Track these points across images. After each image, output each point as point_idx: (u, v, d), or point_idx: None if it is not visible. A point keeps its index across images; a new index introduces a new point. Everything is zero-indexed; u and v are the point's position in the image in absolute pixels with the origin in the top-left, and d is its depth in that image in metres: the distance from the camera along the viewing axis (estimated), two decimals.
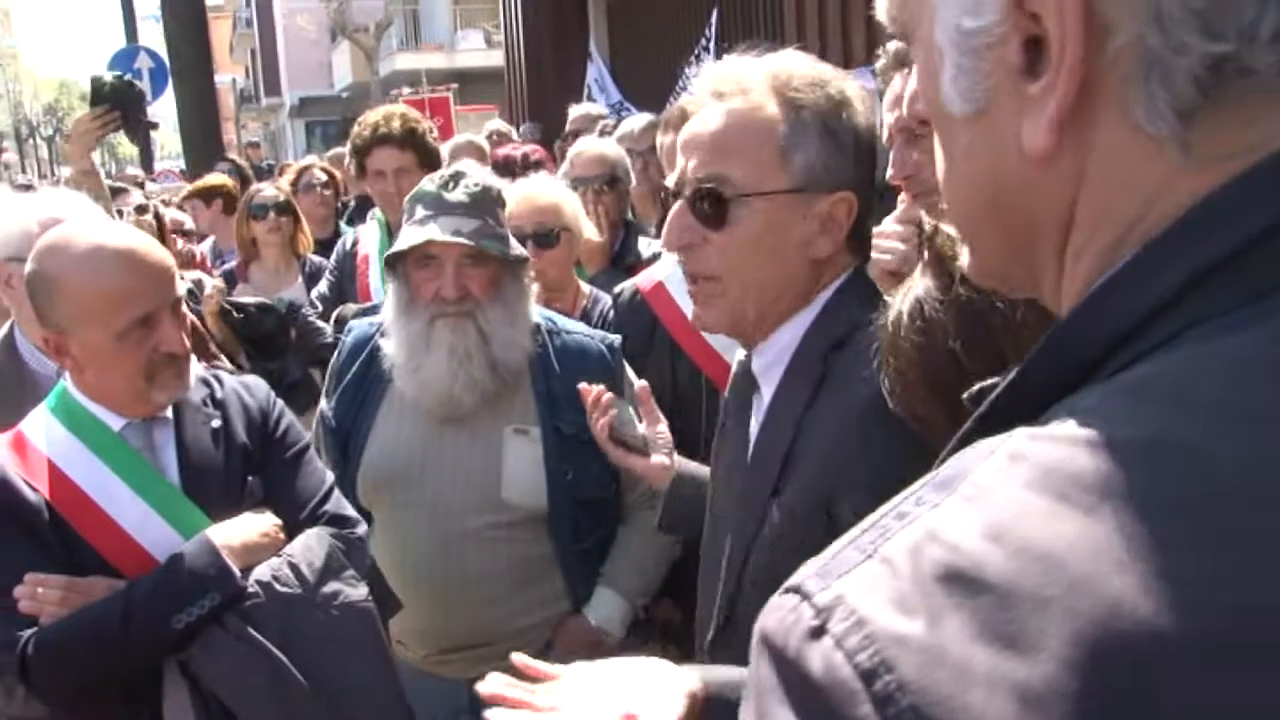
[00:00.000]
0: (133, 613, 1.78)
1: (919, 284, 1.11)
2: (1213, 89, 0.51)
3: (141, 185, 8.58)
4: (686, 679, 1.24)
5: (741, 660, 0.61)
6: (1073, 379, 0.54)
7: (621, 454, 1.99)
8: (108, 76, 3.66)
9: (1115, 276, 0.54)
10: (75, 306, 1.86)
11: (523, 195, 2.96)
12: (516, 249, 2.41)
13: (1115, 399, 0.50)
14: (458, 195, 2.32)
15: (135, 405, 1.96)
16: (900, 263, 1.76)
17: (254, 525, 1.95)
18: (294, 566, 1.91)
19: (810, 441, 1.46)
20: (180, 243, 5.36)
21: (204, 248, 5.99)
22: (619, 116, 6.07)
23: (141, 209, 4.45)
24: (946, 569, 0.45)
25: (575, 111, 6.40)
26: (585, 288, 3.11)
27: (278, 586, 1.87)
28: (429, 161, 3.76)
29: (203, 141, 10.98)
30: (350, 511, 2.12)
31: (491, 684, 1.25)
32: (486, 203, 2.35)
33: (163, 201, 6.90)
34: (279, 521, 1.99)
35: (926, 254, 1.11)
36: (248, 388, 2.14)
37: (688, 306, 2.58)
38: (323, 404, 2.55)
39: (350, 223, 5.50)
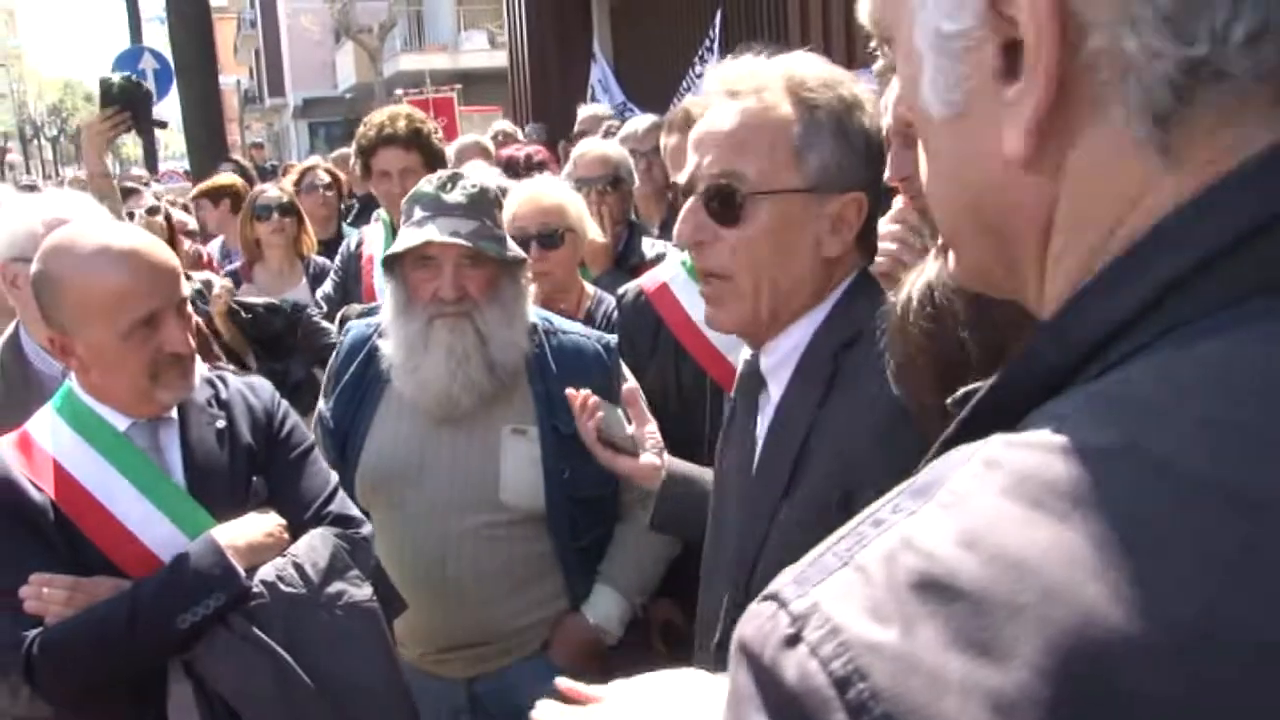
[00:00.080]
0: (138, 613, 1.78)
1: (931, 268, 1.10)
2: (1188, 93, 0.51)
3: (146, 185, 8.59)
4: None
5: None
6: (1054, 383, 0.54)
7: (610, 455, 2.00)
8: (116, 78, 3.66)
9: (1096, 280, 0.54)
10: (80, 307, 1.86)
11: (527, 196, 2.97)
12: (514, 250, 2.42)
13: (1091, 405, 0.50)
14: (456, 196, 2.34)
15: (140, 405, 1.96)
16: (889, 265, 1.76)
17: (259, 525, 1.95)
18: (299, 566, 1.91)
19: (823, 440, 1.46)
20: (186, 243, 5.38)
21: (212, 248, 5.99)
22: (623, 117, 6.08)
23: (153, 210, 4.47)
24: (921, 576, 0.45)
25: (584, 112, 6.42)
26: (589, 289, 3.11)
27: (282, 586, 1.88)
28: (434, 162, 3.75)
29: (207, 142, 10.99)
30: (354, 512, 2.13)
31: (541, 713, 1.26)
32: (484, 204, 2.36)
33: (168, 202, 6.91)
34: (284, 522, 1.99)
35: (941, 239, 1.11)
36: (252, 388, 2.14)
37: (692, 308, 2.61)
38: (321, 404, 2.56)
39: (354, 224, 5.51)
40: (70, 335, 1.89)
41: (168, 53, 11.76)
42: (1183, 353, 0.49)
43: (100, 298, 1.85)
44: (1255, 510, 0.42)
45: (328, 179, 5.47)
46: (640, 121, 4.55)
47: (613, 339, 2.57)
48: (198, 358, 2.04)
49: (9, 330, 2.67)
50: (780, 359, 1.56)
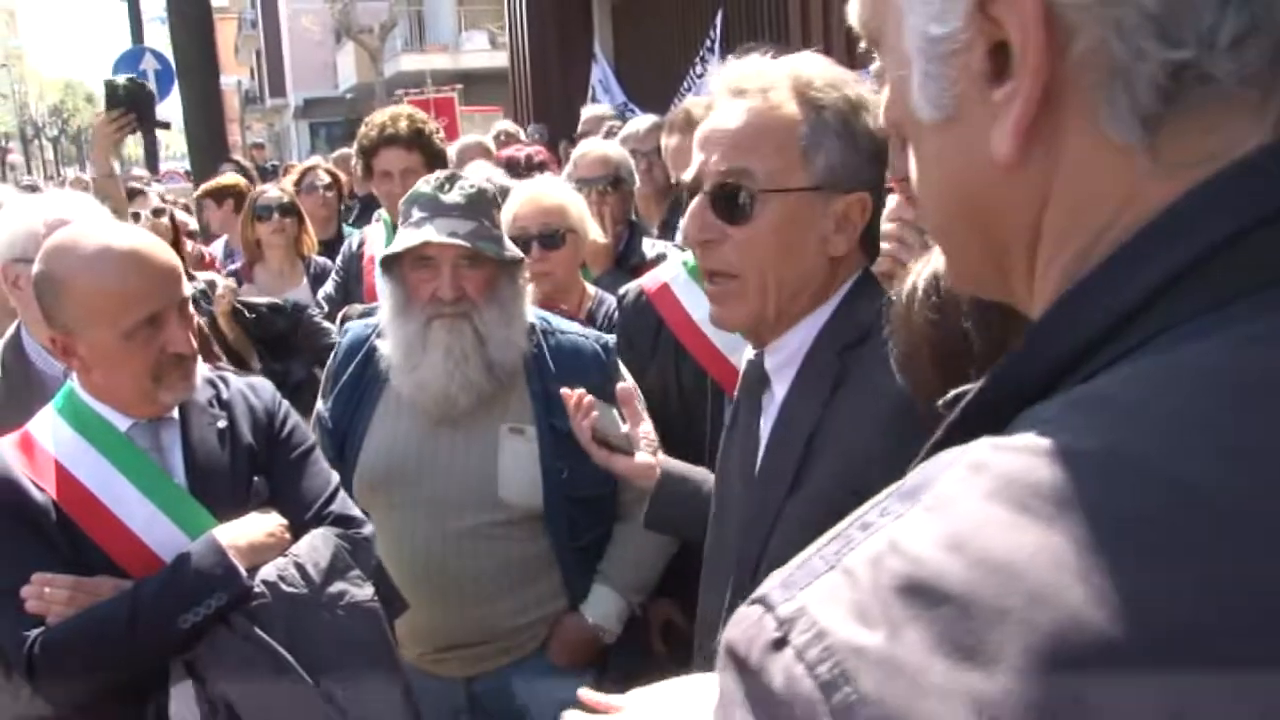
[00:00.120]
0: (139, 612, 1.79)
1: (937, 258, 1.11)
2: (1174, 96, 0.51)
3: (148, 185, 8.60)
4: None
5: None
6: (1042, 386, 0.54)
7: (605, 455, 2.00)
8: (121, 79, 3.69)
9: (1083, 284, 0.54)
10: (82, 307, 1.86)
11: (528, 196, 2.97)
12: (512, 250, 2.43)
13: (1076, 409, 0.50)
14: (454, 197, 2.34)
15: (142, 405, 1.96)
16: (890, 265, 1.77)
17: (260, 525, 1.95)
18: (300, 566, 1.91)
19: (829, 439, 1.47)
20: (189, 244, 5.38)
21: (216, 248, 5.99)
22: (624, 118, 6.08)
23: (158, 211, 4.48)
24: (907, 580, 0.45)
25: (587, 113, 6.42)
26: (590, 289, 3.11)
27: (284, 586, 1.88)
28: (435, 162, 3.75)
29: (208, 143, 10.97)
30: (356, 511, 2.13)
31: None
32: (482, 204, 2.37)
33: (169, 202, 6.92)
34: (285, 522, 1.99)
35: None
36: (253, 388, 2.14)
37: (693, 308, 2.61)
38: (319, 405, 2.57)
39: (355, 225, 5.51)
40: (72, 335, 1.89)
41: (169, 53, 11.76)
42: (1166, 357, 0.49)
43: (102, 298, 1.85)
44: (1233, 513, 0.43)
45: (328, 179, 5.47)
46: (641, 122, 4.56)
47: (610, 338, 2.58)
48: (199, 358, 2.04)
49: (10, 331, 2.67)
50: (785, 358, 1.57)
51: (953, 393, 0.67)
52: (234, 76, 44.90)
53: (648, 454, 1.99)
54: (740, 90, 1.52)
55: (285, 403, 2.17)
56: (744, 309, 1.55)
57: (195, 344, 1.98)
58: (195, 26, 11.15)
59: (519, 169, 4.87)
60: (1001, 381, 0.57)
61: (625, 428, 2.06)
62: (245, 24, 46.64)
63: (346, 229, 5.37)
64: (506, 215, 2.90)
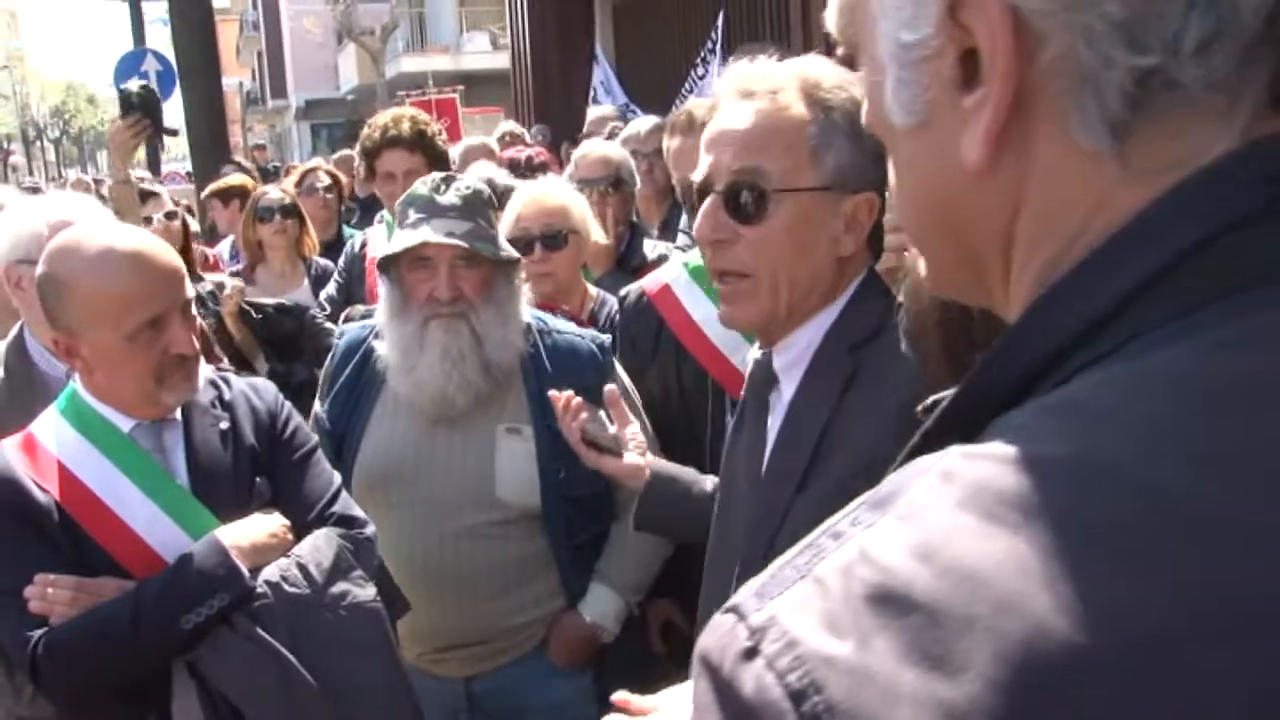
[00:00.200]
0: (142, 613, 1.79)
1: None
2: (1142, 102, 0.51)
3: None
4: None
5: None
6: (1015, 393, 0.54)
7: (595, 456, 2.01)
8: (134, 87, 3.76)
9: (1054, 291, 0.55)
10: (86, 308, 1.87)
11: (531, 197, 2.98)
12: (508, 250, 2.44)
13: (1048, 415, 0.50)
14: (450, 198, 2.35)
15: (145, 407, 1.97)
16: (894, 261, 1.78)
17: (262, 526, 1.96)
18: (302, 567, 1.92)
19: (840, 436, 1.48)
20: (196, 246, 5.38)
21: (222, 248, 6.00)
22: (626, 119, 6.09)
23: (171, 214, 4.48)
24: (876, 589, 0.45)
25: (593, 114, 6.43)
26: (593, 290, 3.11)
27: (286, 587, 1.88)
28: (438, 164, 3.76)
29: (209, 144, 10.99)
30: (358, 512, 2.13)
31: None
32: (478, 205, 2.38)
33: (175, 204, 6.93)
34: (287, 522, 2.00)
35: None
36: (255, 389, 2.15)
37: (694, 309, 2.61)
38: (317, 407, 2.58)
39: (357, 226, 5.51)
40: (75, 337, 1.90)
41: (170, 55, 11.78)
42: (1136, 363, 0.50)
43: (105, 300, 1.86)
44: (1202, 520, 0.43)
45: (328, 181, 5.46)
46: (642, 123, 4.56)
47: (606, 338, 2.59)
48: (202, 359, 2.04)
49: (14, 332, 2.67)
50: (794, 357, 1.58)
51: (931, 399, 0.68)
52: (235, 78, 44.92)
53: (636, 455, 1.99)
54: (749, 91, 1.54)
55: (287, 404, 2.18)
56: (755, 308, 1.57)
57: (198, 345, 1.98)
58: (197, 28, 11.18)
59: (520, 170, 4.87)
60: (976, 388, 0.57)
61: (614, 428, 2.06)
62: (247, 25, 46.65)
63: (347, 231, 5.37)
64: (509, 216, 2.91)
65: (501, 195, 3.03)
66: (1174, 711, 0.39)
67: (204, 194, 6.66)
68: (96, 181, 14.13)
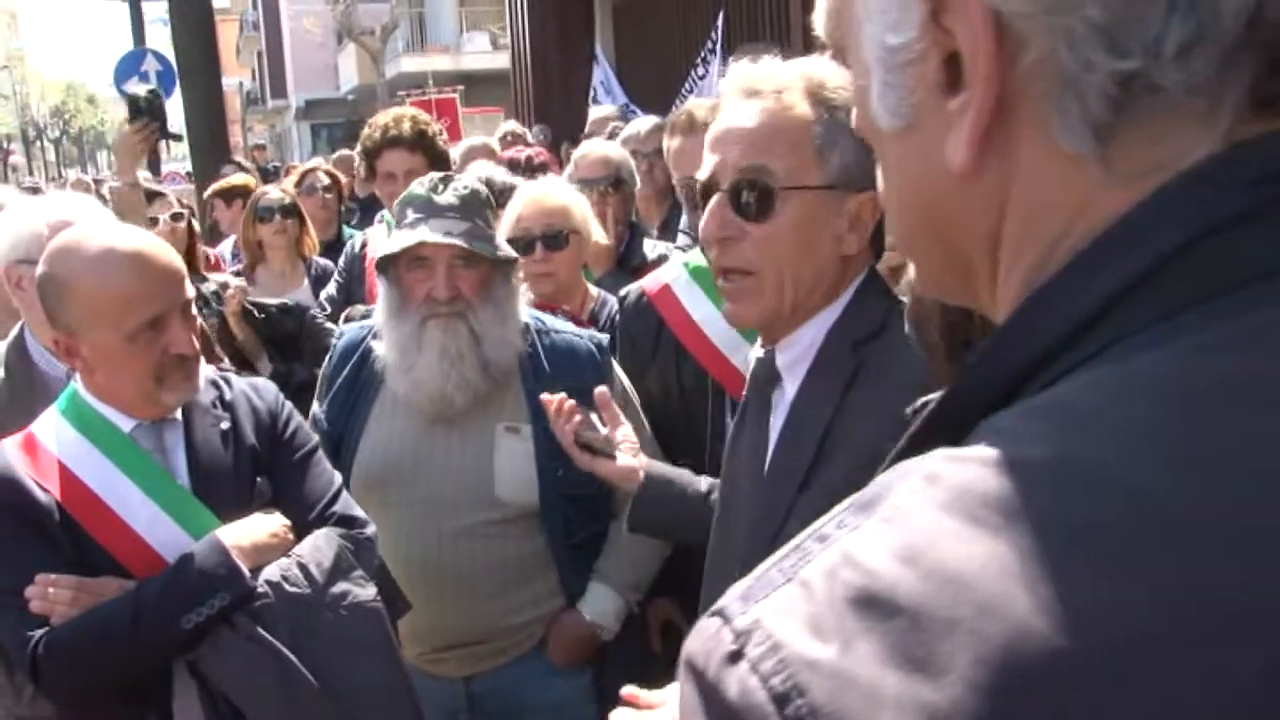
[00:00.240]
0: (143, 613, 1.79)
1: None
2: (1124, 106, 0.51)
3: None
4: None
5: None
6: (1003, 394, 0.54)
7: (588, 458, 2.01)
8: (142, 91, 3.82)
9: (1038, 294, 0.55)
10: (86, 308, 1.87)
11: (532, 197, 2.98)
12: (505, 250, 2.44)
13: (1034, 417, 0.50)
14: (447, 198, 2.36)
15: (145, 407, 1.97)
16: (895, 260, 1.79)
17: (263, 526, 1.96)
18: (303, 567, 1.92)
19: (844, 434, 1.48)
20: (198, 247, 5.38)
21: (224, 248, 6.00)
22: (626, 119, 6.09)
23: (177, 216, 4.47)
24: (860, 592, 0.45)
25: (594, 114, 6.43)
26: (593, 290, 3.11)
27: (287, 587, 1.88)
28: (438, 164, 3.76)
29: (209, 144, 10.99)
30: (359, 512, 2.14)
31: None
32: (476, 205, 2.39)
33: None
34: (288, 522, 2.00)
35: None
36: (256, 389, 2.15)
37: (694, 309, 2.61)
38: (315, 407, 2.58)
39: (358, 227, 5.51)
40: (75, 337, 1.90)
41: (170, 55, 11.78)
42: (1120, 366, 0.50)
43: (106, 300, 1.86)
44: (1182, 523, 0.43)
45: (327, 181, 5.46)
46: (642, 123, 4.56)
47: (605, 338, 2.59)
48: (203, 359, 2.04)
49: (14, 332, 2.68)
50: (797, 355, 1.59)
51: (920, 400, 0.68)
52: (235, 78, 44.93)
53: (629, 456, 2.00)
54: (754, 91, 1.55)
55: (288, 404, 2.18)
56: (760, 306, 1.57)
57: (198, 345, 1.99)
58: (197, 28, 11.18)
59: (519, 170, 4.87)
60: (962, 391, 0.57)
61: (605, 430, 2.06)
62: (247, 25, 46.68)
63: (347, 231, 5.37)
64: (510, 216, 2.91)
65: (500, 194, 3.03)
66: (1155, 714, 0.40)
67: (207, 194, 6.65)
68: (96, 181, 14.13)
